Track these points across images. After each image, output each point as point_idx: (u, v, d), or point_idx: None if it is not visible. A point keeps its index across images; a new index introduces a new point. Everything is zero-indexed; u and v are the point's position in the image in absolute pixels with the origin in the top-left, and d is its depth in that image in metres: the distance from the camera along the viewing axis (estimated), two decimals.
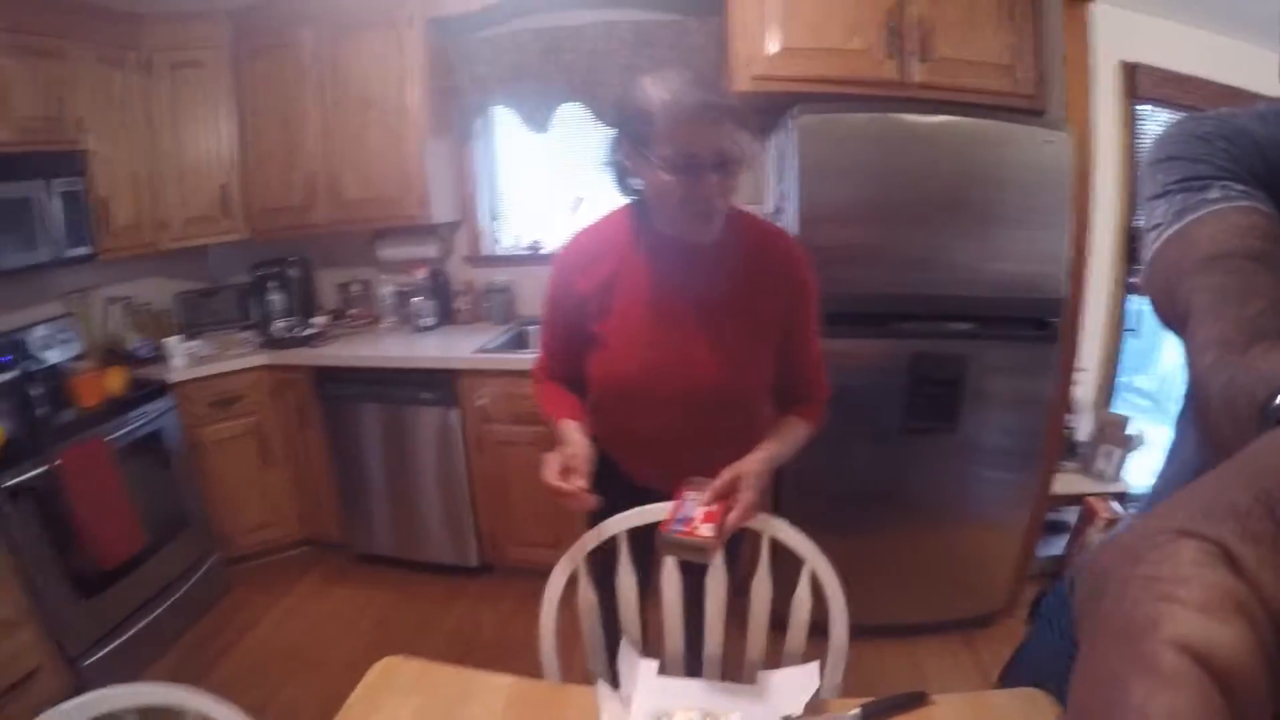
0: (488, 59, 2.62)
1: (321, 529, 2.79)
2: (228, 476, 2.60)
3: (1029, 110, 2.02)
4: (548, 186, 2.93)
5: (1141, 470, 2.50)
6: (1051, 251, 1.94)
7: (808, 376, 1.26)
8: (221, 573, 2.59)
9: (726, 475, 1.09)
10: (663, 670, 1.09)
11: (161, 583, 2.32)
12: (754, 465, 1.10)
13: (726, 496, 1.08)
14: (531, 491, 2.46)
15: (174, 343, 2.56)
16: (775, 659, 1.12)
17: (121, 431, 2.20)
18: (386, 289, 2.95)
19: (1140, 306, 2.56)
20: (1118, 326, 2.61)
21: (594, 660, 1.24)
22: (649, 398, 1.20)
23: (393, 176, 2.61)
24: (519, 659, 1.01)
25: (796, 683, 1.00)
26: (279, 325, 2.76)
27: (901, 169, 1.88)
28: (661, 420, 1.21)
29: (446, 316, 2.92)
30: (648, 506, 1.18)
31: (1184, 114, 0.67)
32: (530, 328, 2.77)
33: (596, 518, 1.17)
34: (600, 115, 2.58)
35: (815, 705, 0.97)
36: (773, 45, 2.01)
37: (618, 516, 1.19)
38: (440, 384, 2.44)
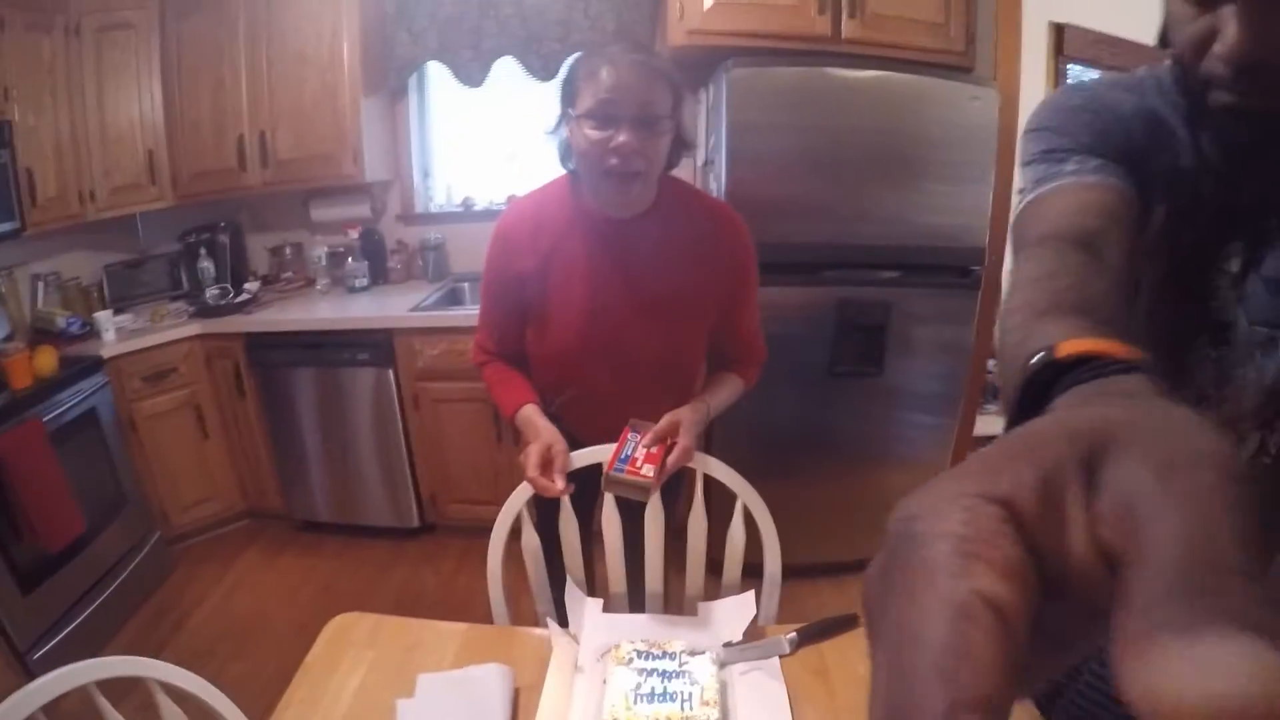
0: (426, 13, 2.53)
1: (262, 500, 2.73)
2: (165, 452, 2.51)
3: (958, 67, 2.07)
4: (480, 143, 2.87)
5: None
6: (976, 204, 2.02)
7: (745, 342, 1.32)
8: (164, 551, 2.51)
9: (666, 420, 1.16)
10: (607, 608, 1.14)
11: (104, 567, 2.23)
12: (691, 414, 1.18)
13: (664, 440, 1.15)
14: (469, 448, 2.48)
15: (104, 317, 2.44)
16: (714, 594, 1.18)
17: (55, 413, 2.09)
18: (319, 251, 2.85)
19: None
20: None
21: (541, 601, 1.28)
22: (587, 370, 1.25)
23: (328, 135, 2.53)
24: (464, 614, 1.04)
25: (734, 612, 1.07)
26: (211, 293, 2.67)
27: (831, 123, 1.91)
28: (601, 390, 1.27)
29: (380, 276, 2.86)
30: (584, 450, 1.22)
31: (1109, 73, 0.71)
32: (465, 284, 2.75)
33: None
34: (535, 71, 2.53)
35: (753, 631, 1.04)
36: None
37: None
38: (375, 344, 2.41)
